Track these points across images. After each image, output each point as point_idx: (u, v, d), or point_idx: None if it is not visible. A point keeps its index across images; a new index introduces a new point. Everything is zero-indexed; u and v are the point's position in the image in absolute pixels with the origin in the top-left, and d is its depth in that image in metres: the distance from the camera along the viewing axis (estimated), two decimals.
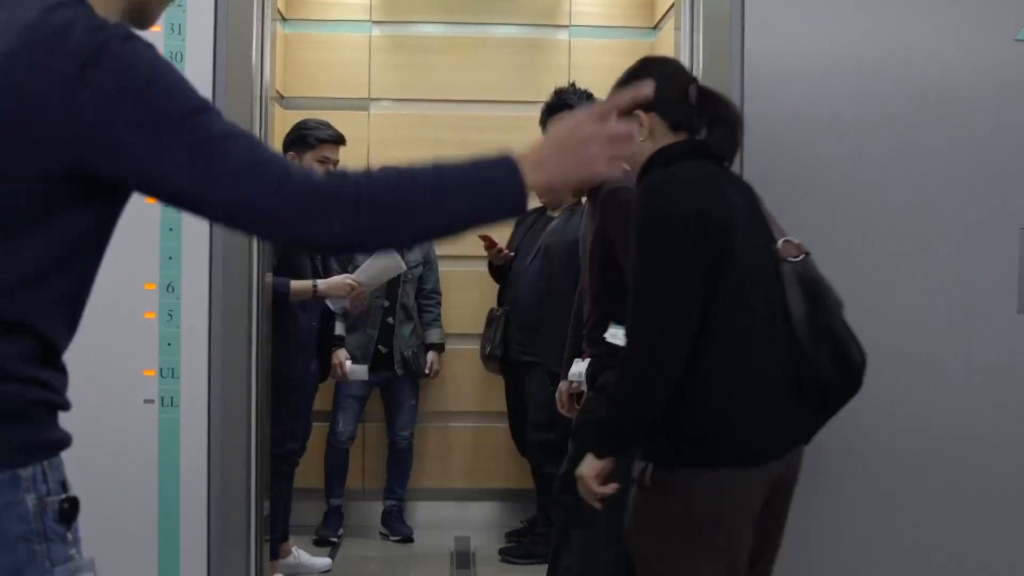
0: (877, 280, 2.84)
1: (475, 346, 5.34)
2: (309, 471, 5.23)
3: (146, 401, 2.92)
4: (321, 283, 4.35)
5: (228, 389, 2.94)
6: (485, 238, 4.97)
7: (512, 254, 5.04)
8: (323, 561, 4.85)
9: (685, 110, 2.43)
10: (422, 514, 5.56)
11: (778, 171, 2.81)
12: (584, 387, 3.50)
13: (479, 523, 5.58)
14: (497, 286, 5.26)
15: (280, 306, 3.60)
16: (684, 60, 3.02)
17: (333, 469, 5.37)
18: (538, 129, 5.49)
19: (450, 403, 5.60)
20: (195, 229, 2.90)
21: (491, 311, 5.19)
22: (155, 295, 2.92)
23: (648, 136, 2.45)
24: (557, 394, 3.87)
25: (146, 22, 1.61)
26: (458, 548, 5.26)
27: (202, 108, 1.45)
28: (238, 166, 1.43)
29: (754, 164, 2.78)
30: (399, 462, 5.43)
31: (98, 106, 1.39)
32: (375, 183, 1.48)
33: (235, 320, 2.95)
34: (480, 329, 5.29)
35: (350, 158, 4.74)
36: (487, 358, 5.16)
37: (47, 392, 1.49)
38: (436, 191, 1.50)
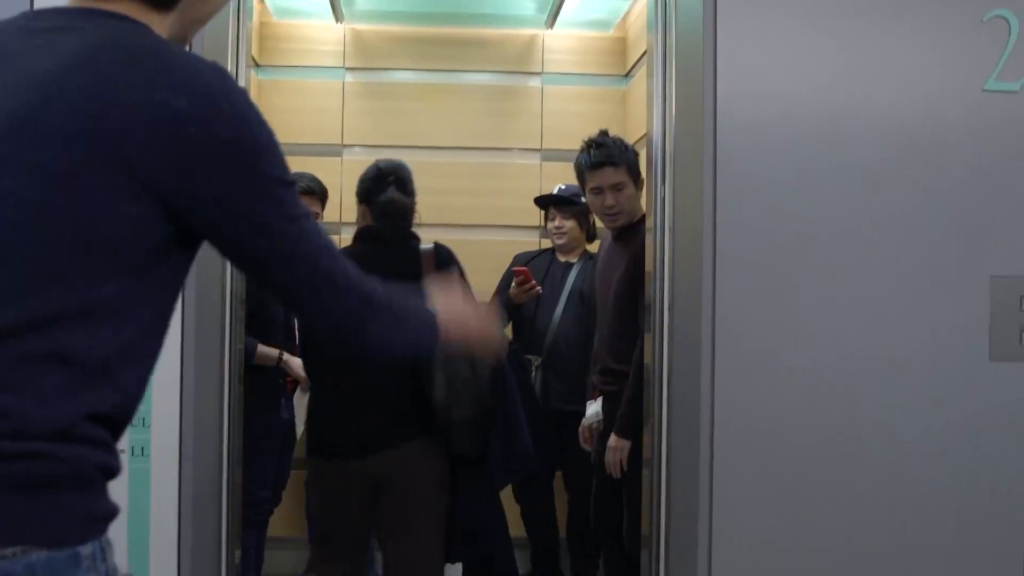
0: (846, 325, 2.85)
1: None
2: (289, 518, 5.22)
3: None
4: (288, 357, 4.35)
5: (200, 438, 2.90)
6: (520, 271, 4.86)
7: (540, 291, 4.91)
8: None
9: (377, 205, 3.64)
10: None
11: (751, 214, 2.82)
12: (601, 424, 4.08)
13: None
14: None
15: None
16: (657, 106, 3.05)
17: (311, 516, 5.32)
18: (508, 175, 5.54)
19: None
20: None
21: (525, 360, 4.86)
22: None
23: (362, 219, 3.69)
24: (580, 430, 4.39)
25: (184, 44, 1.56)
26: None
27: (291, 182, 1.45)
28: (322, 272, 1.46)
29: (727, 207, 2.80)
30: None
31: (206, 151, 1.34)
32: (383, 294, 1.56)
33: (207, 369, 2.92)
34: None
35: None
36: None
37: (109, 456, 1.37)
38: (407, 310, 1.62)
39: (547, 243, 5.33)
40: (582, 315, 4.81)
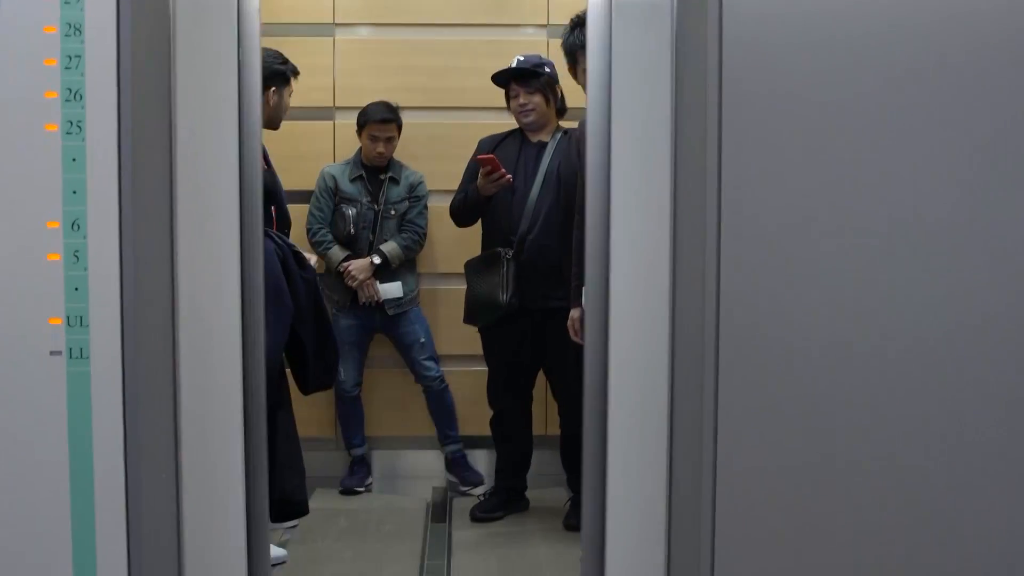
0: (858, 227, 2.55)
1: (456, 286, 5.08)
2: (321, 419, 5.23)
3: (52, 353, 2.65)
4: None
5: (144, 338, 2.66)
6: (486, 160, 4.44)
7: (511, 179, 4.50)
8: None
9: None
10: (389, 464, 5.35)
11: (757, 110, 2.50)
12: None
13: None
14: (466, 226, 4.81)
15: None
16: None
17: (346, 419, 5.22)
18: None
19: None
20: (102, 159, 2.60)
21: (493, 254, 4.57)
22: (59, 234, 2.63)
23: None
24: (570, 322, 4.04)
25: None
26: (435, 499, 5.03)
27: None
28: None
29: (733, 101, 2.48)
30: (438, 405, 5.22)
31: None
32: None
33: (151, 261, 2.67)
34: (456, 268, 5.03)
35: (315, 87, 4.47)
36: (493, 307, 4.54)
37: None
38: None
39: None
40: (560, 199, 4.34)
